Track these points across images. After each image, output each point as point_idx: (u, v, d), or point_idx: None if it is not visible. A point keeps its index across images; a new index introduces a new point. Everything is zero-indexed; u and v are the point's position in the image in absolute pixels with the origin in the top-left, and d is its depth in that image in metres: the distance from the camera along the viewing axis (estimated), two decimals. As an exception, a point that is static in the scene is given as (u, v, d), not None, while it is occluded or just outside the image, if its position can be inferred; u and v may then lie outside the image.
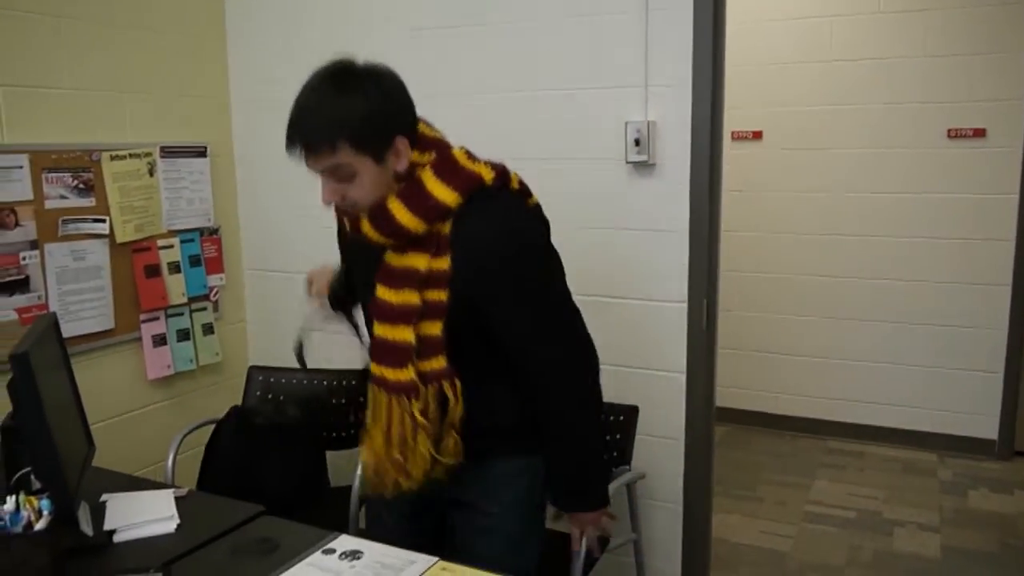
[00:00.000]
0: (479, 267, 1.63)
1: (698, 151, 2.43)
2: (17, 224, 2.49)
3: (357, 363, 1.94)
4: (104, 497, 1.84)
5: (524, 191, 1.75)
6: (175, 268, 2.95)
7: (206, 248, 3.07)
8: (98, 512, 1.77)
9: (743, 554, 3.27)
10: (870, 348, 4.38)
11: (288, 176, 3.12)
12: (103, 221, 2.71)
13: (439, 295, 1.65)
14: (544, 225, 1.74)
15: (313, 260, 3.08)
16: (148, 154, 2.84)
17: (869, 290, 4.35)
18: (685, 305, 2.49)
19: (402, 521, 1.89)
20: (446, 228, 1.63)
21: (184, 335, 3.00)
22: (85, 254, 2.68)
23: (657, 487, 2.60)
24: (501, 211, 1.66)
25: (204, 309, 3.07)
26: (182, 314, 2.99)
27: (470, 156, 1.69)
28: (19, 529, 1.49)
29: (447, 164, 1.65)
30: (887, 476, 4.00)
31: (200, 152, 3.04)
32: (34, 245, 2.53)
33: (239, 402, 2.80)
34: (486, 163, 1.68)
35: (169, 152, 2.92)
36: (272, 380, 2.82)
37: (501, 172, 1.69)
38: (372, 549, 1.62)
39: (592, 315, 2.58)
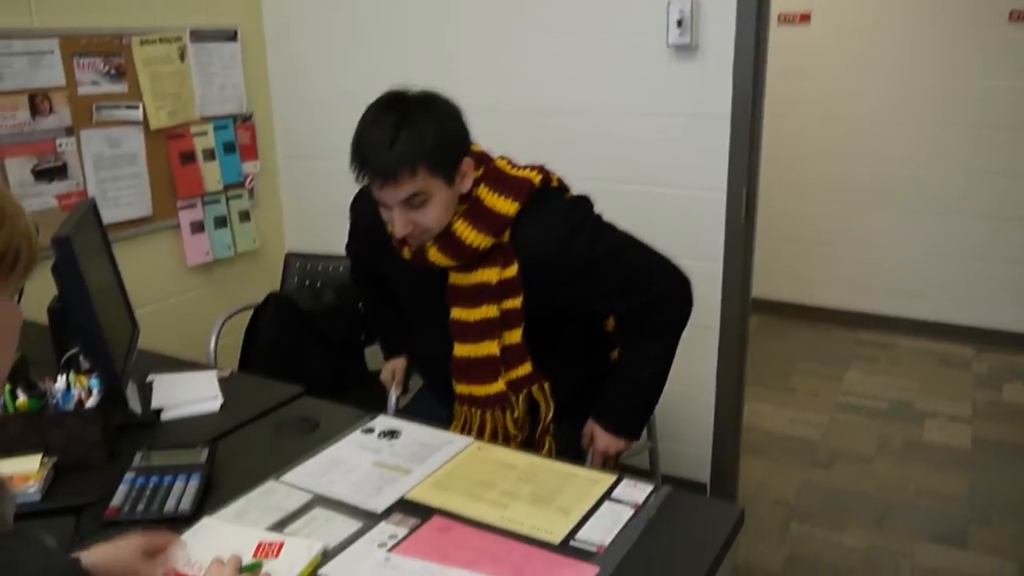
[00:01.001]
0: (550, 265, 1.68)
1: (743, 34, 2.34)
2: (51, 110, 2.48)
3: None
4: (150, 377, 1.90)
5: (563, 187, 1.81)
6: (210, 155, 2.95)
7: (240, 135, 3.06)
8: (145, 392, 1.83)
9: (773, 441, 3.32)
10: (907, 240, 4.30)
11: (319, 59, 3.08)
12: (136, 107, 2.70)
13: (515, 303, 1.71)
14: (588, 205, 1.78)
15: (346, 147, 3.07)
16: (178, 38, 2.80)
17: (909, 180, 4.23)
18: (724, 194, 2.44)
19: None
20: (506, 237, 1.69)
21: (221, 222, 3.03)
22: (120, 141, 2.68)
23: (690, 375, 2.62)
24: (555, 208, 1.73)
25: (240, 196, 3.09)
26: (219, 201, 3.01)
27: (512, 163, 1.76)
28: (71, 407, 1.54)
29: (498, 176, 1.71)
30: (921, 368, 3.99)
31: (230, 36, 2.99)
32: (69, 132, 2.54)
33: (277, 288, 2.84)
34: (528, 167, 1.75)
35: (199, 36, 2.87)
36: (309, 266, 2.85)
37: (544, 173, 1.75)
38: (410, 429, 1.67)
39: (627, 203, 2.56)
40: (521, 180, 1.70)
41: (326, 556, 1.25)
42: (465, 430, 1.81)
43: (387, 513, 1.37)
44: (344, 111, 3.03)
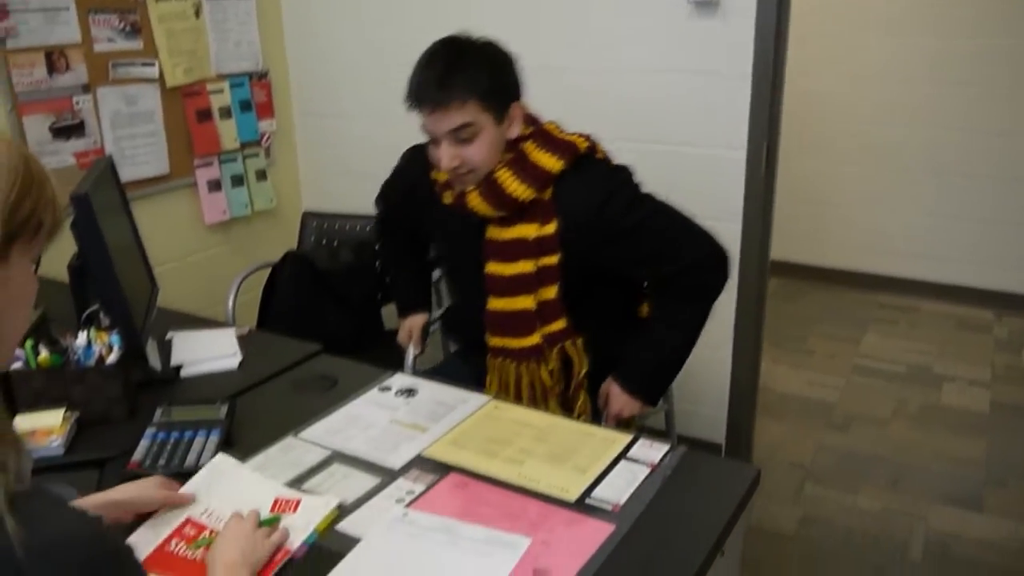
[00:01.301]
0: (588, 227, 1.70)
1: (766, -12, 2.29)
2: (68, 68, 2.48)
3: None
4: (170, 335, 1.92)
5: (607, 159, 1.84)
6: (226, 113, 2.94)
7: (256, 92, 3.04)
8: (165, 348, 1.85)
9: (789, 403, 3.32)
10: (930, 201, 4.24)
11: (335, 16, 3.05)
12: (152, 65, 2.69)
13: (551, 260, 1.74)
14: (630, 173, 1.80)
15: (362, 104, 3.05)
16: (193, -6, 2.78)
17: (932, 141, 4.16)
18: (744, 152, 2.41)
19: None
20: (547, 195, 1.72)
21: (238, 181, 3.03)
22: (137, 98, 2.67)
23: (707, 336, 2.59)
24: (598, 172, 1.77)
25: (256, 155, 3.08)
26: (235, 160, 3.00)
27: (561, 129, 1.80)
28: (92, 363, 1.56)
29: (546, 136, 1.75)
30: (940, 332, 3.97)
31: (246, -8, 2.96)
32: (86, 89, 2.53)
33: (294, 247, 2.84)
34: (575, 134, 1.78)
35: (214, -8, 2.85)
36: (326, 225, 2.85)
37: (592, 142, 1.79)
38: (427, 387, 1.68)
39: (646, 162, 2.53)
40: (568, 142, 1.74)
41: (344, 511, 1.27)
42: (501, 384, 1.84)
43: (404, 470, 1.39)
44: (361, 69, 3.04)
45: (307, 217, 2.91)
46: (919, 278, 4.35)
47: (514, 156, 1.71)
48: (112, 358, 1.57)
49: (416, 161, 1.91)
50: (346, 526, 1.24)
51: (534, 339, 1.78)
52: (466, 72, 1.61)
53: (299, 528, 1.22)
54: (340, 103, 3.11)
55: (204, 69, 2.85)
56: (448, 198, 1.78)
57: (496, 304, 1.79)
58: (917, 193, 4.26)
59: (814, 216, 4.52)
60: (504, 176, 1.69)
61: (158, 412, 1.53)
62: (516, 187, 1.69)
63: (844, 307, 4.29)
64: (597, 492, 1.31)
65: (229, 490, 1.30)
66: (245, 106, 3.01)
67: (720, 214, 2.48)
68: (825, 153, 4.41)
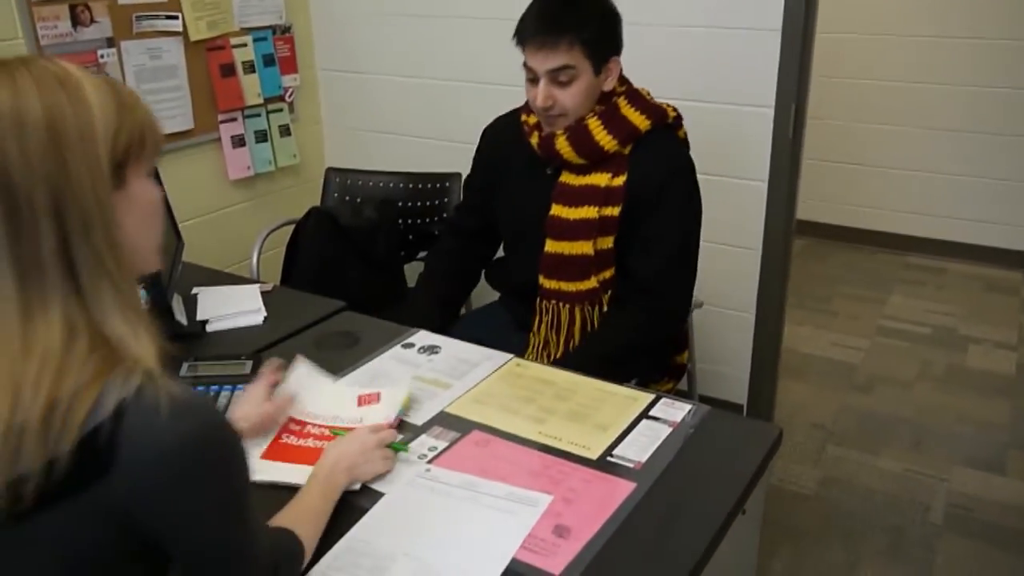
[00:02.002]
0: (654, 180, 1.77)
1: (799, -60, 2.23)
2: (92, 21, 2.47)
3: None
4: (195, 290, 1.94)
5: (687, 142, 1.92)
6: (250, 68, 2.92)
7: (279, 47, 3.02)
8: (190, 304, 1.87)
9: (812, 364, 3.31)
10: (960, 161, 4.15)
11: (359, -30, 3.00)
12: (176, 18, 2.67)
13: (614, 211, 1.79)
14: (696, 175, 1.87)
15: (385, 60, 3.02)
16: (216, -54, 2.75)
17: (964, 99, 4.06)
18: (772, 110, 2.37)
19: None
20: (627, 150, 1.79)
21: (262, 136, 3.02)
22: (161, 52, 2.66)
23: (731, 296, 2.59)
24: (677, 146, 1.86)
25: (280, 110, 3.07)
26: (259, 115, 2.99)
27: (651, 95, 1.86)
28: (119, 316, 1.57)
29: (637, 96, 1.82)
30: (967, 293, 3.92)
31: (268, -56, 2.93)
32: (111, 43, 2.52)
33: (318, 203, 2.84)
34: (666, 103, 1.85)
35: (237, -56, 2.82)
36: (349, 181, 2.84)
37: (679, 115, 1.87)
38: (449, 345, 1.68)
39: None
40: (657, 107, 1.82)
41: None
42: (551, 326, 1.88)
43: (427, 426, 1.40)
44: (384, 24, 3.01)
45: (330, 173, 2.90)
46: (947, 239, 4.28)
47: (606, 108, 1.78)
48: (139, 312, 1.59)
49: (490, 136, 2.02)
50: (370, 481, 1.25)
51: (591, 283, 1.83)
52: (578, 17, 1.68)
53: (384, 414, 1.40)
54: (364, 59, 3.09)
55: (228, 23, 2.83)
56: (535, 139, 1.84)
57: (554, 247, 1.84)
58: (947, 153, 4.18)
59: (842, 175, 4.45)
60: (594, 125, 1.76)
61: (184, 367, 1.55)
62: (603, 137, 1.76)
63: (870, 268, 4.24)
64: (619, 450, 1.32)
65: (317, 392, 1.47)
66: (268, 61, 2.99)
67: (746, 172, 2.46)
68: (855, 111, 4.32)
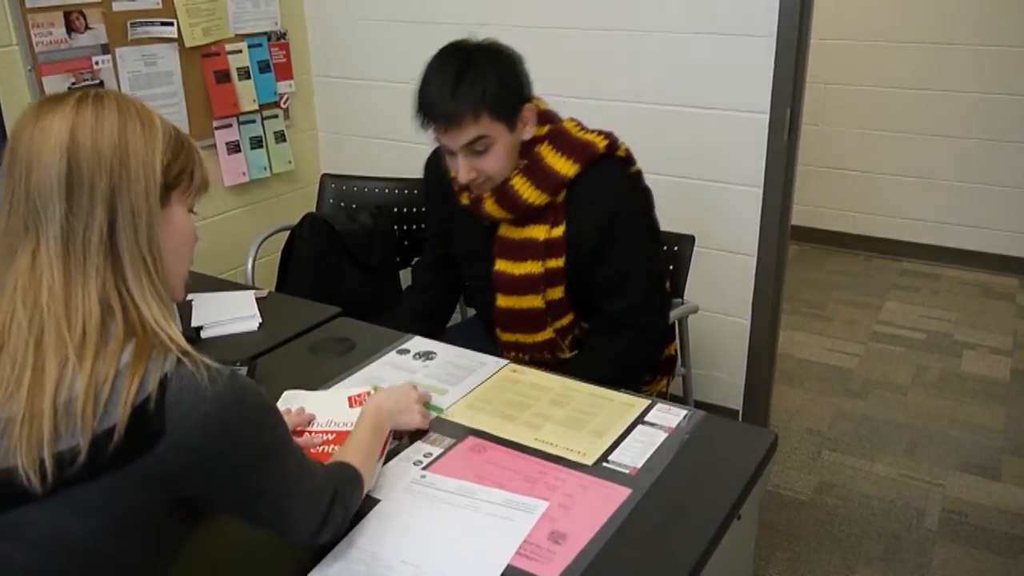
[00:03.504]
0: (592, 228, 1.70)
1: (792, -54, 2.23)
2: (87, 27, 2.47)
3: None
4: (190, 297, 1.93)
5: (628, 159, 1.80)
6: (245, 74, 2.92)
7: (274, 53, 3.02)
8: (185, 310, 1.86)
9: (808, 369, 3.31)
10: (955, 167, 4.16)
11: (354, -23, 3.01)
12: (171, 24, 2.67)
13: (558, 262, 1.73)
14: (646, 193, 1.82)
15: (380, 66, 3.02)
16: (211, -48, 2.75)
17: (960, 105, 4.07)
18: (766, 116, 2.38)
19: None
20: (561, 197, 1.71)
21: (257, 143, 3.02)
22: (156, 59, 2.66)
23: (726, 301, 2.60)
24: (611, 176, 1.73)
25: (275, 116, 3.07)
26: (254, 121, 2.99)
27: (580, 127, 1.76)
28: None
29: (562, 137, 1.72)
30: (962, 299, 3.93)
31: (263, -49, 2.93)
32: (105, 49, 2.52)
33: (313, 209, 2.84)
34: (595, 132, 1.74)
35: (232, -50, 2.82)
36: (344, 188, 2.84)
37: (612, 140, 1.75)
38: (445, 350, 1.68)
39: (667, 124, 2.51)
40: (585, 143, 1.71)
41: (363, 472, 1.29)
42: None
43: (422, 432, 1.40)
44: (379, 30, 3.01)
45: (326, 179, 2.90)
46: (942, 244, 4.29)
47: (528, 162, 1.69)
48: (133, 319, 1.58)
49: (435, 171, 1.91)
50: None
51: (547, 334, 1.80)
52: (474, 85, 1.58)
53: None
54: (359, 65, 3.09)
55: (223, 29, 2.83)
56: (465, 199, 1.78)
57: (505, 302, 1.80)
58: (942, 159, 4.19)
59: (837, 181, 4.46)
60: (519, 183, 1.69)
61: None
62: (530, 193, 1.68)
63: (865, 273, 4.25)
64: (614, 456, 1.31)
65: (312, 403, 1.46)
66: (264, 67, 2.99)
67: (741, 178, 2.46)
68: (850, 118, 4.33)
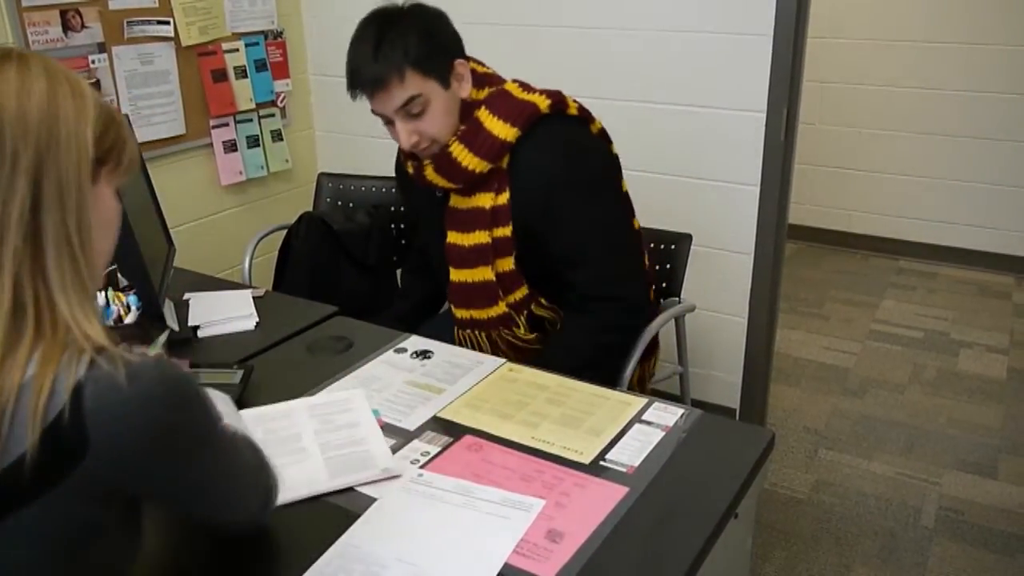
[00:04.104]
0: (535, 196, 1.64)
1: (789, -55, 2.24)
2: (83, 26, 2.46)
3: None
4: (187, 296, 1.93)
5: (584, 116, 1.72)
6: (241, 73, 2.92)
7: (271, 52, 3.02)
8: (182, 309, 1.86)
9: (805, 368, 3.31)
10: (951, 165, 4.17)
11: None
12: (167, 23, 2.67)
13: (505, 231, 1.68)
14: (603, 149, 1.73)
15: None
16: (208, -49, 2.75)
17: (956, 103, 4.07)
18: (763, 114, 2.38)
19: None
20: (504, 163, 1.65)
21: (254, 142, 3.02)
22: (152, 58, 2.66)
23: (723, 300, 2.60)
24: (553, 139, 1.65)
25: (272, 115, 3.07)
26: (251, 120, 2.99)
27: (524, 87, 1.68)
28: (110, 323, 1.57)
29: (502, 98, 1.65)
30: (959, 298, 3.93)
31: (260, -51, 2.93)
32: (102, 48, 2.52)
33: (310, 208, 2.84)
34: (541, 92, 1.67)
35: (228, -51, 2.82)
36: (342, 187, 2.84)
37: (557, 99, 1.67)
38: (442, 349, 1.68)
39: (664, 123, 2.51)
40: (525, 104, 1.64)
41: (360, 471, 1.28)
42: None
43: (419, 431, 1.40)
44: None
45: (322, 178, 2.90)
46: (939, 243, 4.30)
47: (467, 127, 1.63)
48: (130, 318, 1.58)
49: (399, 156, 1.88)
50: (362, 487, 1.25)
51: (500, 308, 1.75)
52: (395, 44, 1.54)
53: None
54: (355, 63, 3.08)
55: (219, 28, 2.83)
56: (410, 169, 1.73)
57: (457, 276, 1.75)
58: (938, 157, 4.19)
59: (834, 180, 4.46)
60: (457, 150, 1.63)
61: (176, 372, 1.54)
62: (469, 160, 1.63)
63: (862, 272, 4.26)
64: (611, 455, 1.31)
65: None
66: (260, 66, 2.99)
67: (738, 177, 2.47)
68: (847, 116, 4.34)
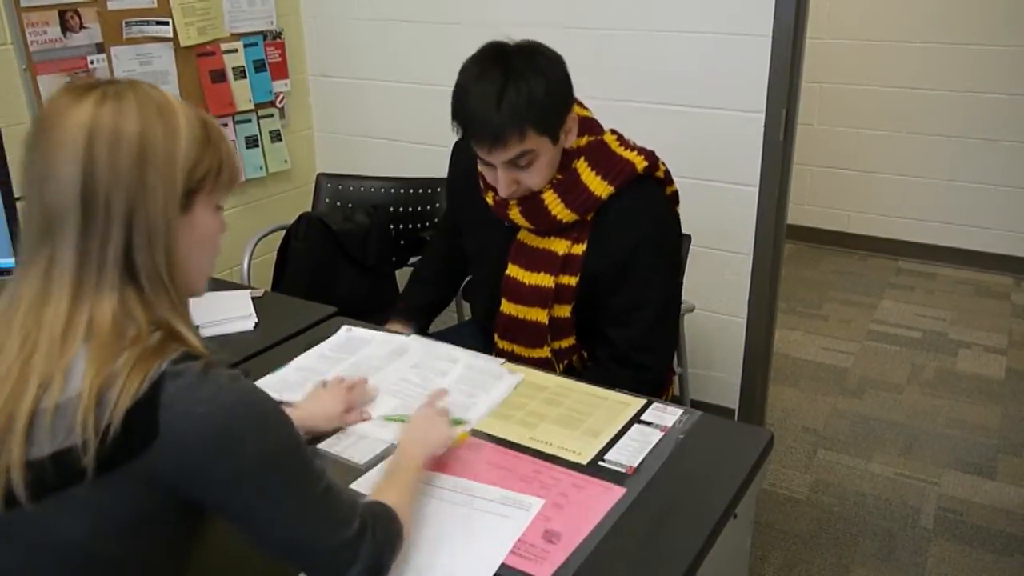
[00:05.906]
0: (618, 251, 1.63)
1: (788, -54, 2.24)
2: (82, 26, 2.46)
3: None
4: (185, 296, 1.92)
5: (667, 179, 1.73)
6: (240, 73, 2.92)
7: (270, 53, 3.02)
8: (180, 309, 1.86)
9: (804, 368, 3.31)
10: (950, 166, 4.17)
11: (350, -24, 3.01)
12: (166, 23, 2.67)
13: (571, 280, 1.67)
14: (677, 221, 1.76)
15: (376, 66, 3.02)
16: (206, -48, 2.75)
17: (956, 104, 4.07)
18: (763, 115, 2.38)
19: None
20: (589, 217, 1.64)
21: (253, 142, 3.02)
22: (151, 58, 2.66)
23: (722, 300, 2.60)
24: (647, 201, 1.66)
25: (271, 116, 3.07)
26: (250, 121, 2.99)
27: (621, 141, 1.68)
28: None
29: (602, 152, 1.64)
30: (957, 298, 3.93)
31: (259, -50, 2.92)
32: (100, 48, 2.52)
33: (309, 209, 2.84)
34: (637, 150, 1.66)
35: (227, -51, 2.82)
36: (340, 187, 2.84)
37: (652, 161, 1.66)
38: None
39: (663, 123, 2.52)
40: (625, 162, 1.63)
41: (358, 471, 1.28)
42: None
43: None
44: (375, 29, 3.00)
45: (321, 179, 2.90)
46: (938, 243, 4.30)
47: (564, 178, 1.62)
48: (129, 318, 1.58)
49: (459, 153, 1.85)
50: (361, 485, 1.25)
51: (543, 352, 1.74)
52: (520, 94, 1.48)
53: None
54: (355, 64, 3.08)
55: (218, 28, 2.83)
56: (490, 199, 1.71)
57: (508, 308, 1.74)
58: (937, 157, 4.19)
59: (833, 180, 4.46)
60: (550, 198, 1.61)
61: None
62: (560, 210, 1.61)
63: (861, 272, 4.26)
64: (610, 455, 1.31)
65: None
66: (259, 66, 2.99)
67: (737, 177, 2.47)
68: (846, 117, 4.34)
